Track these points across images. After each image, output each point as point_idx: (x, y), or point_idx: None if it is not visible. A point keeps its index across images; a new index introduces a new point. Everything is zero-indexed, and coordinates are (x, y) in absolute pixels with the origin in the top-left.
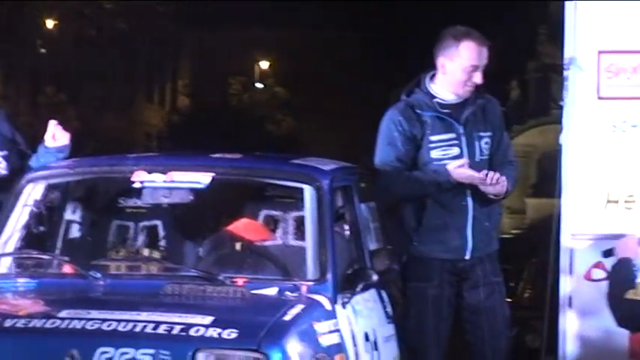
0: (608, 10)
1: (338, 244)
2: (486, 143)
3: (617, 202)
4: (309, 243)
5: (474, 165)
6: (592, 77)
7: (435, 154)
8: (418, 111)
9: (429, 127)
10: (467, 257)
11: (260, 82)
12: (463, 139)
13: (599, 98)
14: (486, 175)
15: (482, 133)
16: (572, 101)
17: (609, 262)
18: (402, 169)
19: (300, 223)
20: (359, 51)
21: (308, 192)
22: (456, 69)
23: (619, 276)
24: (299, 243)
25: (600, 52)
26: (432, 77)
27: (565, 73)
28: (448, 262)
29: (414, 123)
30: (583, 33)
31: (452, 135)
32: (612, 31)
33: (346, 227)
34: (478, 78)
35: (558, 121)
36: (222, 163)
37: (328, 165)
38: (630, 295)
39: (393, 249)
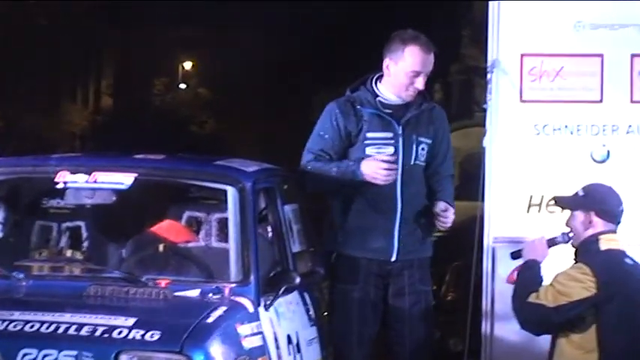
0: (530, 12)
1: (261, 246)
2: (423, 149)
3: (539, 205)
4: (232, 245)
5: (407, 169)
6: (515, 80)
7: (369, 150)
8: (358, 107)
9: (366, 123)
10: (393, 259)
11: (183, 83)
12: (400, 139)
13: (522, 101)
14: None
15: (422, 138)
16: (495, 104)
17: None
18: (325, 159)
19: (223, 224)
20: (285, 53)
21: (231, 193)
22: (399, 72)
23: (525, 278)
24: (222, 245)
25: (523, 55)
26: (380, 78)
27: (488, 76)
28: (374, 264)
29: (350, 118)
30: (506, 35)
31: (389, 134)
32: (535, 34)
33: (269, 229)
34: (420, 84)
35: (482, 123)
36: (145, 163)
37: (251, 166)
38: (532, 298)
39: (318, 250)
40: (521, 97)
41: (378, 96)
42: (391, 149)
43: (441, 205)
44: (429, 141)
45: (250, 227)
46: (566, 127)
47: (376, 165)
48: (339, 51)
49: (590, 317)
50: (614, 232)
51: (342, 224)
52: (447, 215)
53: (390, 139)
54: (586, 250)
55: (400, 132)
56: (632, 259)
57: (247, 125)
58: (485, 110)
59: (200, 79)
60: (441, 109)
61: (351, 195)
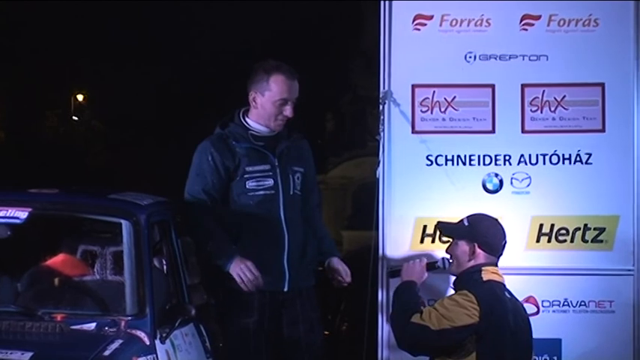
0: (421, 44)
1: (156, 279)
2: (298, 178)
3: (433, 235)
4: (128, 278)
5: (288, 199)
6: (407, 111)
7: (250, 184)
8: (233, 142)
9: (244, 157)
10: (285, 289)
11: (76, 115)
12: (278, 170)
13: (414, 132)
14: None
15: (296, 168)
16: (387, 135)
17: (394, 284)
18: (207, 203)
19: (118, 257)
20: (177, 84)
21: (125, 227)
22: (266, 102)
23: (404, 298)
24: (117, 278)
25: (414, 86)
26: (246, 112)
27: (380, 106)
28: (267, 294)
29: (226, 154)
30: (397, 67)
31: (267, 166)
32: (426, 65)
33: (164, 262)
34: (288, 111)
35: (374, 153)
36: (40, 198)
37: (145, 200)
38: (416, 319)
39: (210, 282)
40: (413, 127)
41: (249, 129)
42: (270, 181)
43: (334, 263)
44: (302, 169)
45: (145, 260)
46: (458, 157)
47: (246, 269)
48: (233, 84)
49: (470, 345)
50: (496, 264)
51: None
52: (345, 277)
53: (268, 171)
54: (469, 279)
55: (277, 163)
56: (510, 293)
57: (142, 157)
58: (378, 141)
59: (93, 111)
60: (304, 138)
61: (238, 229)
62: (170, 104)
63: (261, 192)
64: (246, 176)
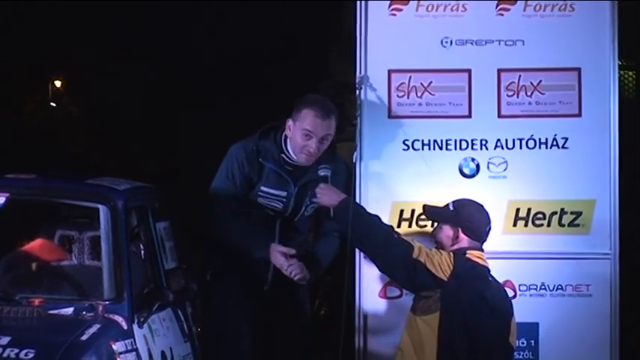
0: (397, 29)
1: (134, 264)
2: (312, 208)
3: (409, 220)
4: (105, 263)
5: (292, 223)
6: (383, 96)
7: (260, 200)
8: (261, 160)
9: (264, 176)
10: (266, 287)
11: (54, 101)
12: (292, 199)
13: (391, 117)
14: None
15: (315, 199)
16: (364, 120)
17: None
18: (230, 209)
19: (95, 243)
20: (154, 75)
21: (102, 212)
22: (295, 131)
23: (361, 212)
24: (95, 263)
25: (391, 71)
26: None
27: (357, 91)
28: (249, 284)
29: (254, 168)
30: (373, 52)
31: (283, 192)
32: (402, 50)
33: (142, 247)
34: (312, 146)
35: (352, 138)
36: (17, 183)
37: (122, 185)
38: (403, 237)
39: (190, 267)
40: (389, 112)
41: (283, 152)
42: (280, 206)
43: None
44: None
45: (123, 245)
46: (435, 142)
47: (279, 258)
48: (217, 73)
49: (434, 303)
50: (480, 249)
51: (221, 248)
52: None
53: (283, 197)
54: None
55: (294, 192)
56: (494, 279)
57: (120, 144)
58: (354, 126)
59: (71, 97)
60: (342, 166)
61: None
62: (153, 92)
63: (267, 210)
64: (259, 193)
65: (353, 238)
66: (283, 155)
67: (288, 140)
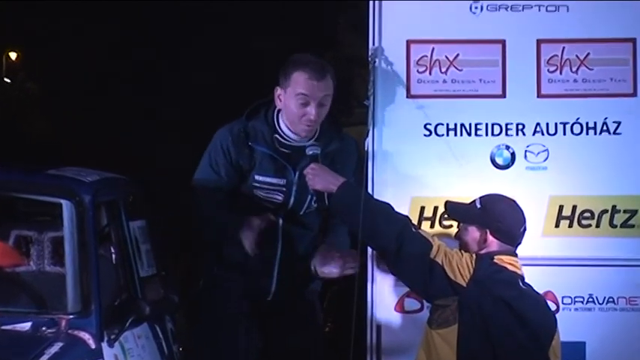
0: None
1: (103, 271)
2: (314, 198)
3: (432, 219)
4: (69, 269)
5: (297, 218)
6: (401, 72)
7: (256, 193)
8: (250, 143)
9: (256, 163)
10: (269, 298)
11: (9, 77)
12: (294, 188)
13: (410, 96)
14: None
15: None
16: (377, 100)
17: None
18: (218, 197)
19: (58, 245)
20: (125, 46)
21: (66, 208)
22: (288, 99)
23: (371, 199)
24: (57, 269)
25: (410, 42)
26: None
27: (369, 66)
28: (250, 293)
29: (243, 154)
30: (390, 19)
31: (281, 180)
32: (424, 17)
33: (113, 250)
34: (311, 113)
35: (362, 122)
36: None
37: (90, 176)
38: (422, 232)
39: (171, 274)
40: (408, 91)
41: (276, 132)
42: (280, 197)
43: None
44: None
45: (90, 248)
46: (462, 126)
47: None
48: (198, 40)
49: (451, 315)
50: (513, 254)
51: (219, 253)
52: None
53: (282, 186)
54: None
55: (295, 179)
56: (530, 288)
57: (87, 128)
58: (366, 107)
59: (28, 72)
60: (350, 143)
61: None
62: (126, 66)
63: (266, 204)
64: (254, 184)
65: (358, 229)
66: (277, 136)
67: (281, 116)
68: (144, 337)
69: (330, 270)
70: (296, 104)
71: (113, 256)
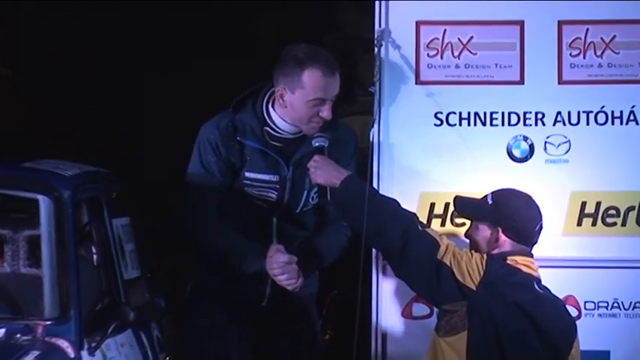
0: None
1: (83, 273)
2: (317, 196)
3: (442, 216)
4: (47, 271)
5: (293, 216)
6: (409, 56)
7: (248, 191)
8: (239, 138)
9: (247, 159)
10: (264, 303)
11: None
12: (288, 184)
13: (419, 83)
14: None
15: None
16: (384, 87)
17: None
18: (213, 207)
19: (34, 244)
20: (108, 26)
21: (44, 204)
22: (297, 102)
23: (375, 197)
24: (33, 271)
25: (420, 23)
26: (275, 100)
27: (375, 49)
28: (244, 298)
29: (233, 149)
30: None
31: (274, 177)
32: None
33: (94, 250)
34: (326, 112)
35: (367, 111)
36: None
37: (70, 169)
38: (431, 231)
39: (157, 277)
40: (417, 77)
41: (267, 124)
42: (274, 195)
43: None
44: None
45: (69, 248)
46: (476, 115)
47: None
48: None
49: (460, 321)
50: (528, 254)
51: (210, 261)
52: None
53: (275, 183)
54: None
55: (289, 175)
56: (547, 291)
57: (65, 117)
58: (371, 94)
59: None
60: (348, 133)
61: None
62: (107, 47)
63: (259, 203)
64: (245, 182)
65: (361, 227)
66: (267, 129)
67: (272, 108)
68: (127, 345)
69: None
70: (309, 107)
71: (94, 256)
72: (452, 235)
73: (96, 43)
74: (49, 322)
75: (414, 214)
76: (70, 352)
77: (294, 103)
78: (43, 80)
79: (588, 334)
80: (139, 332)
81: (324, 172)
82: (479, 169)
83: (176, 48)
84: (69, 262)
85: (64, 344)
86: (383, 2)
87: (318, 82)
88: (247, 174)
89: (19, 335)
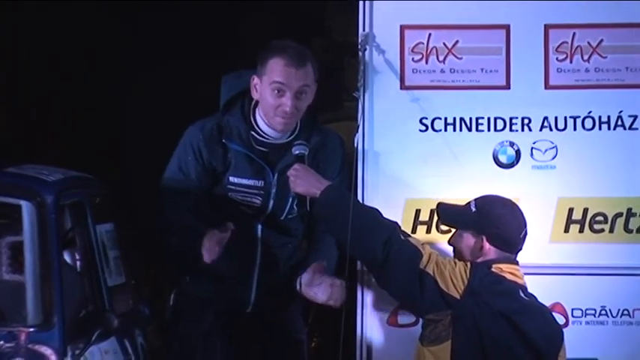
0: None
1: (67, 279)
2: (296, 202)
3: (428, 223)
4: (29, 277)
5: (278, 223)
6: (394, 60)
7: (232, 196)
8: (224, 140)
9: (231, 163)
10: (249, 310)
11: None
12: (273, 190)
13: (404, 88)
14: None
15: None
16: (368, 92)
17: None
18: (187, 202)
19: (17, 250)
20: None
21: (26, 210)
22: (264, 89)
23: (361, 207)
24: (16, 277)
25: (404, 27)
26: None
27: (359, 54)
28: (228, 305)
29: (216, 153)
30: (382, 3)
31: (258, 182)
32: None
33: (77, 256)
34: (286, 104)
35: (352, 116)
36: None
37: (53, 174)
38: (413, 240)
39: (139, 284)
40: (402, 82)
41: (253, 128)
42: (258, 201)
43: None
44: None
45: (52, 254)
46: (462, 120)
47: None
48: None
49: (444, 330)
50: (513, 262)
51: (191, 261)
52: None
53: (260, 188)
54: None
55: (274, 181)
56: (533, 298)
57: (49, 118)
58: (356, 99)
59: None
60: (334, 139)
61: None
62: (94, 49)
63: (243, 208)
64: (229, 187)
65: (345, 238)
66: (253, 133)
67: (258, 110)
68: (112, 353)
69: (316, 294)
70: (271, 94)
71: (78, 263)
72: (438, 243)
73: (81, 43)
74: (32, 329)
75: (396, 223)
76: (54, 359)
77: (261, 92)
78: (26, 83)
79: (576, 342)
80: (123, 339)
81: (303, 182)
82: (464, 175)
83: (163, 52)
84: (52, 269)
85: (47, 351)
86: (367, 2)
87: (280, 68)
88: (232, 179)
89: (2, 342)
